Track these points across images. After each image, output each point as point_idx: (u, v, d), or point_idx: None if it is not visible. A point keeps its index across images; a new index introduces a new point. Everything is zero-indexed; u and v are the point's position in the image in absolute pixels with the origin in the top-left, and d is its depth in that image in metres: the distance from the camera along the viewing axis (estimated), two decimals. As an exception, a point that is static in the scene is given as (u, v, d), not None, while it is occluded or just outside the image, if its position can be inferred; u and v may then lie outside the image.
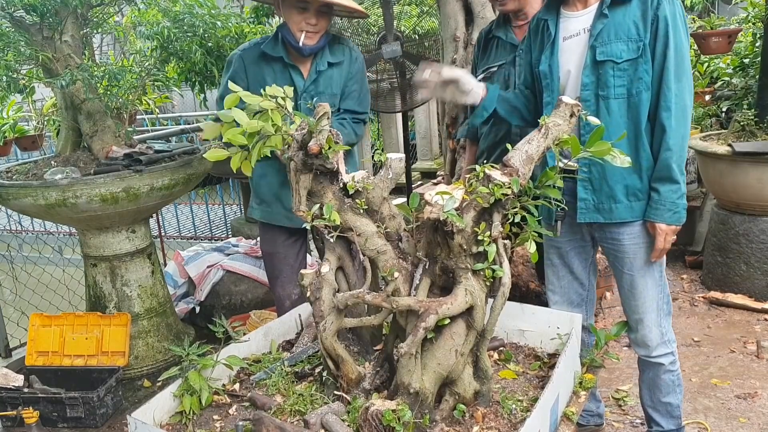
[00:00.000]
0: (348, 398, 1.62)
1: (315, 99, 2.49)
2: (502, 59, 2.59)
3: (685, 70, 1.94)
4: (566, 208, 1.52)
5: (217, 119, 1.71)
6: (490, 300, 1.54)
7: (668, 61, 1.91)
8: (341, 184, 1.64)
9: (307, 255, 2.91)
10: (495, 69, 2.61)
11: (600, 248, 2.26)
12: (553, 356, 1.85)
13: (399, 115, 6.52)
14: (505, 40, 2.59)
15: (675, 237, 2.03)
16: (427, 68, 2.08)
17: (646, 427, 2.44)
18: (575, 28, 2.04)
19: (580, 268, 2.27)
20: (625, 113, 1.97)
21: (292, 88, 1.63)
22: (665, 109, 1.93)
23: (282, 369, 1.81)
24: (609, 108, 1.96)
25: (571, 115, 1.59)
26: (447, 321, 1.50)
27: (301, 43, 2.42)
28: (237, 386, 1.80)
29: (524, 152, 1.52)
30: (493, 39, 2.65)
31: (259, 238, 2.90)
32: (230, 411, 1.69)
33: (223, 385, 1.80)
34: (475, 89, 2.11)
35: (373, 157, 1.70)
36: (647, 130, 1.98)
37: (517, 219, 1.50)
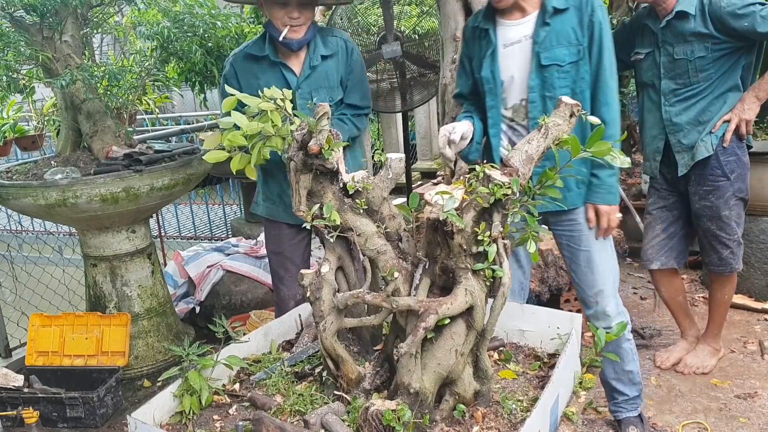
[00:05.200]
0: (348, 398, 1.62)
1: (315, 99, 2.49)
2: (649, 47, 2.81)
3: (615, 68, 2.17)
4: None
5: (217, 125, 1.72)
6: (490, 300, 1.54)
7: (603, 61, 2.13)
8: (341, 184, 1.64)
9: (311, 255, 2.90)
10: (642, 56, 2.83)
11: (554, 235, 2.38)
12: (553, 356, 1.85)
13: (399, 115, 6.52)
14: (652, 29, 2.78)
15: (620, 215, 2.24)
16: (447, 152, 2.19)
17: (608, 401, 2.56)
18: (515, 35, 2.19)
19: (524, 256, 2.40)
20: None
21: (280, 86, 1.65)
22: (605, 104, 2.14)
23: (282, 369, 1.81)
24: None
25: (571, 115, 1.59)
26: (447, 321, 1.50)
27: (282, 38, 2.42)
28: (237, 386, 1.80)
29: (524, 152, 1.52)
30: (645, 25, 2.83)
31: (264, 238, 2.91)
32: (230, 411, 1.69)
33: (223, 385, 1.80)
34: (466, 131, 2.21)
35: (373, 157, 1.70)
36: (589, 125, 2.10)
37: (517, 219, 1.51)
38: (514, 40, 2.19)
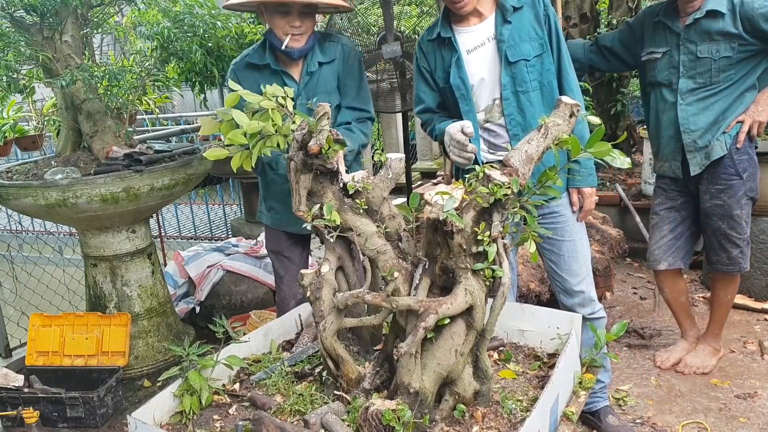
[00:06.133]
0: (348, 398, 1.62)
1: (316, 100, 2.48)
2: (666, 46, 2.79)
3: (570, 55, 2.29)
4: None
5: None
6: (490, 300, 1.54)
7: (562, 50, 2.25)
8: (341, 184, 1.64)
9: (309, 256, 2.91)
10: (659, 55, 2.81)
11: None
12: (553, 356, 1.85)
13: (399, 115, 6.52)
14: (671, 28, 2.77)
15: (597, 198, 2.36)
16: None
17: None
18: (477, 39, 2.26)
19: (511, 253, 2.39)
20: (542, 101, 2.25)
21: (293, 90, 1.66)
22: (569, 90, 2.25)
23: (282, 369, 1.81)
24: (530, 100, 2.24)
25: (571, 115, 1.59)
26: (447, 321, 1.50)
27: (284, 46, 2.40)
28: (237, 386, 1.80)
29: (524, 152, 1.52)
30: (659, 24, 2.83)
31: (264, 238, 2.91)
32: (230, 411, 1.70)
33: (223, 385, 1.80)
34: (472, 129, 2.22)
35: (373, 157, 1.70)
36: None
37: (517, 219, 1.51)
38: (477, 44, 2.26)
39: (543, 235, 2.32)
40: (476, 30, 2.26)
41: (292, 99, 1.64)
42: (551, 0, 2.53)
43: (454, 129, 2.17)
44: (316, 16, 2.59)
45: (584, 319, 2.36)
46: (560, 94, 2.22)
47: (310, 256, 2.91)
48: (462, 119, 2.28)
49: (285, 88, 1.63)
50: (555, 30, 2.23)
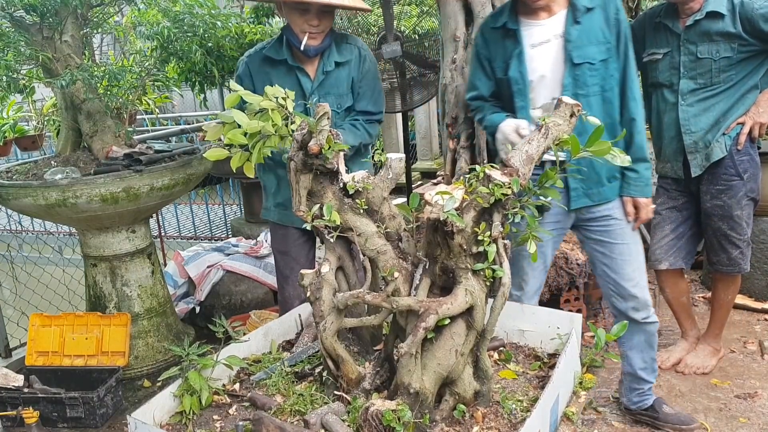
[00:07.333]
0: (348, 398, 1.62)
1: (317, 99, 2.48)
2: (667, 47, 2.79)
3: (635, 65, 2.25)
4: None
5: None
6: (490, 300, 1.54)
7: (629, 58, 2.20)
8: (341, 184, 1.64)
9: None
10: (660, 56, 2.81)
11: (581, 235, 2.42)
12: (553, 356, 1.85)
13: (399, 115, 6.52)
14: (671, 29, 2.77)
15: (653, 206, 2.34)
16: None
17: (627, 394, 2.64)
18: (544, 35, 2.21)
19: (549, 255, 2.45)
20: (601, 107, 2.19)
21: (294, 90, 1.67)
22: (632, 100, 2.21)
23: (282, 369, 1.81)
24: (589, 104, 2.17)
25: (572, 115, 1.59)
26: (447, 321, 1.50)
27: (303, 46, 2.41)
28: (237, 386, 1.80)
29: (524, 152, 1.52)
30: (660, 25, 2.82)
31: (267, 238, 2.91)
32: (230, 411, 1.69)
33: (223, 385, 1.80)
34: (527, 130, 2.16)
35: (373, 157, 1.70)
36: (619, 120, 2.22)
37: (518, 219, 1.51)
38: (543, 39, 2.20)
39: (596, 238, 2.33)
40: (544, 25, 2.20)
41: (304, 98, 1.63)
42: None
43: (509, 128, 2.11)
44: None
45: (637, 323, 2.39)
46: (623, 102, 2.21)
47: (315, 257, 2.91)
48: (515, 113, 2.23)
49: (286, 90, 1.62)
50: (624, 36, 2.17)
